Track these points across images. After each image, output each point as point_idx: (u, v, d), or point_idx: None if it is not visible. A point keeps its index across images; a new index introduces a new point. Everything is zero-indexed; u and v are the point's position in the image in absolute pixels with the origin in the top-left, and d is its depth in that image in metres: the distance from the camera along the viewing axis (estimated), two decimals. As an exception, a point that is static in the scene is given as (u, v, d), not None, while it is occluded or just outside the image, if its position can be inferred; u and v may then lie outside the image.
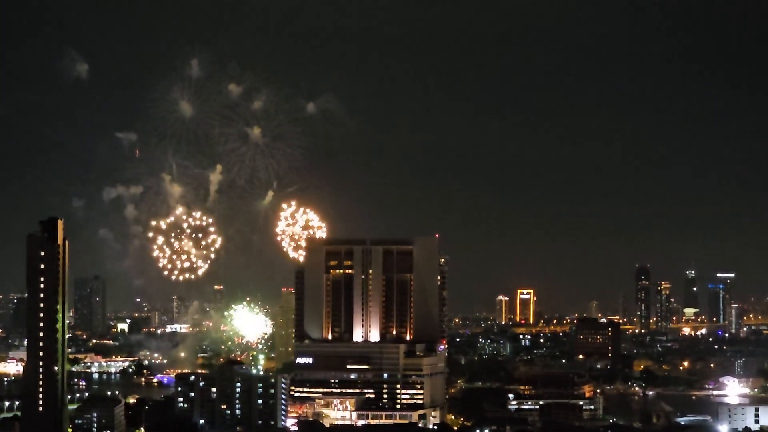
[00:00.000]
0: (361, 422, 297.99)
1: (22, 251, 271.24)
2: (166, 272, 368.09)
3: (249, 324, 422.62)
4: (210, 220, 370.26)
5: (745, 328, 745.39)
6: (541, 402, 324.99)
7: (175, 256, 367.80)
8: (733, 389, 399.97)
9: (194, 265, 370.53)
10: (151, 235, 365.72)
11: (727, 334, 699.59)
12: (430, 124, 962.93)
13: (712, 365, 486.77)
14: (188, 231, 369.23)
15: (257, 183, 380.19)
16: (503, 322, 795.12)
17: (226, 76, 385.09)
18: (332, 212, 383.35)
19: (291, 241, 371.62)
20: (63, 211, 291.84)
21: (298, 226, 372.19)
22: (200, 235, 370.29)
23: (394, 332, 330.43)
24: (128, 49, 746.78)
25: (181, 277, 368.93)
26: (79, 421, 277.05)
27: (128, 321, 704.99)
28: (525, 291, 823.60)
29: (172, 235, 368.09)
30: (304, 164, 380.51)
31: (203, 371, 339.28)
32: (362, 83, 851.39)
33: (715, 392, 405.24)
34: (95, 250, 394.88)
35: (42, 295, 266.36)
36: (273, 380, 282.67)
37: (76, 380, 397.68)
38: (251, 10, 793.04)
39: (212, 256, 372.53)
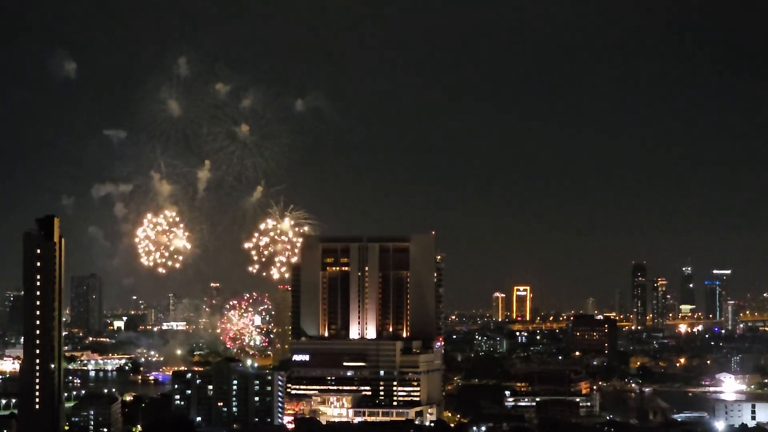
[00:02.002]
0: (357, 419, 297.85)
1: (18, 249, 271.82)
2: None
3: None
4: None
5: (741, 325, 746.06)
6: (537, 399, 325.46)
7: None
8: (730, 386, 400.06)
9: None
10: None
11: (723, 331, 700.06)
12: (426, 121, 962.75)
13: (708, 362, 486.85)
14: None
15: (245, 181, 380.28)
16: (500, 319, 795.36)
17: (213, 75, 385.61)
18: (325, 210, 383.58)
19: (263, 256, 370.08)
20: (52, 209, 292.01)
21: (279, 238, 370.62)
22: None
23: (391, 329, 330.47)
24: (116, 48, 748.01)
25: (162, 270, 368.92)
26: (76, 419, 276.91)
27: (124, 319, 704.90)
28: (521, 288, 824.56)
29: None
30: (294, 162, 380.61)
31: (200, 369, 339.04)
32: (360, 80, 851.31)
33: (711, 389, 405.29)
34: (85, 247, 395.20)
35: (38, 293, 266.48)
36: (269, 377, 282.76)
37: (70, 378, 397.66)
38: (238, 9, 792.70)
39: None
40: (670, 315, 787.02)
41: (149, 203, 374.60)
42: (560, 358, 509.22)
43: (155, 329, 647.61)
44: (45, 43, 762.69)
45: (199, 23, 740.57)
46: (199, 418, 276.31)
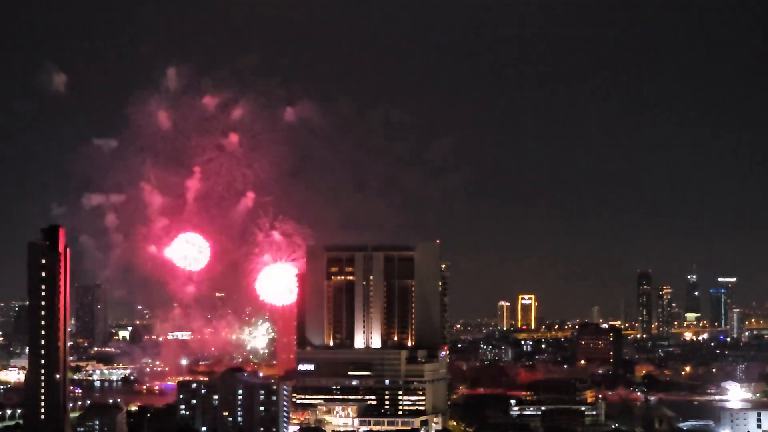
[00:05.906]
0: (363, 429, 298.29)
1: (18, 259, 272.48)
2: None
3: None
4: None
5: (746, 333, 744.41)
6: (543, 408, 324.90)
7: None
8: (735, 394, 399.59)
9: None
10: None
11: (728, 339, 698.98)
12: (430, 127, 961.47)
13: (714, 370, 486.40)
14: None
15: (235, 191, 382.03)
16: (505, 328, 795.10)
17: (202, 87, 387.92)
18: (328, 219, 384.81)
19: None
20: (43, 219, 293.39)
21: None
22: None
23: (396, 338, 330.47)
24: (106, 60, 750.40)
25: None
26: (81, 429, 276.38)
27: (130, 329, 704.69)
28: (526, 296, 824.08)
29: None
30: (286, 172, 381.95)
31: (205, 379, 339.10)
32: (364, 85, 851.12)
33: (717, 397, 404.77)
34: (76, 258, 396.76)
35: (43, 303, 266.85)
36: (275, 387, 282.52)
37: (71, 388, 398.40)
38: (229, 19, 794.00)
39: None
40: (676, 323, 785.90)
41: (140, 214, 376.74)
42: (565, 366, 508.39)
43: (160, 339, 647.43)
44: (35, 56, 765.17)
45: (188, 35, 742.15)
46: (204, 428, 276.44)
